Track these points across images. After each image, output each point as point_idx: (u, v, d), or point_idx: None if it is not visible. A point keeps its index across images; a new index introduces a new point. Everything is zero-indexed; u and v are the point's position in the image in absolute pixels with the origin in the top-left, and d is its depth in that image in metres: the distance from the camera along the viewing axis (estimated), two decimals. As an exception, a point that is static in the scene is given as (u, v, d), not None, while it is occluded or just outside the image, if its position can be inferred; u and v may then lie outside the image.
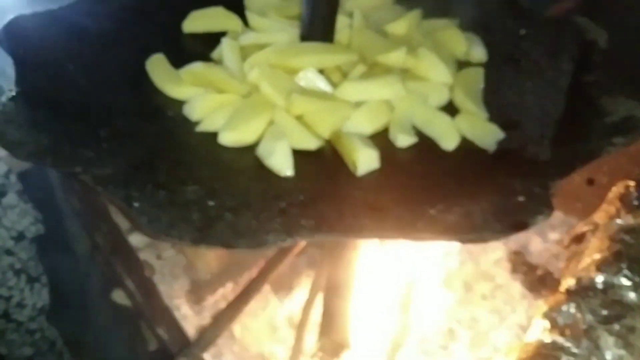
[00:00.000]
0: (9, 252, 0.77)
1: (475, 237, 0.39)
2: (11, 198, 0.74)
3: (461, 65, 0.63)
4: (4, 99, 0.50)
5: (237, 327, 0.57)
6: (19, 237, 0.76)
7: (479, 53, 0.65)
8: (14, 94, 0.51)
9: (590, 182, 0.67)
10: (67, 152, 0.46)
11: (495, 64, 0.64)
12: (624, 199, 0.52)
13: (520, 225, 0.39)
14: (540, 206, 0.40)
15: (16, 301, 0.81)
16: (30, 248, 0.79)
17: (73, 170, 0.45)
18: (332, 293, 0.54)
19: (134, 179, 0.45)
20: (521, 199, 0.42)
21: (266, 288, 0.58)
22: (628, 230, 0.47)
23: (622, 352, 0.39)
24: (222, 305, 0.58)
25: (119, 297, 0.83)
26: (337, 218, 0.42)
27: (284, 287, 0.60)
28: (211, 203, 0.44)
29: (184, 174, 0.47)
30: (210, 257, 0.59)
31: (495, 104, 0.58)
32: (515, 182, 0.44)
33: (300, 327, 0.53)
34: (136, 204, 0.42)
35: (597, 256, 0.45)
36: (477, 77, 0.61)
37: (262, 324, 0.57)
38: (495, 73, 0.62)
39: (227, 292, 0.60)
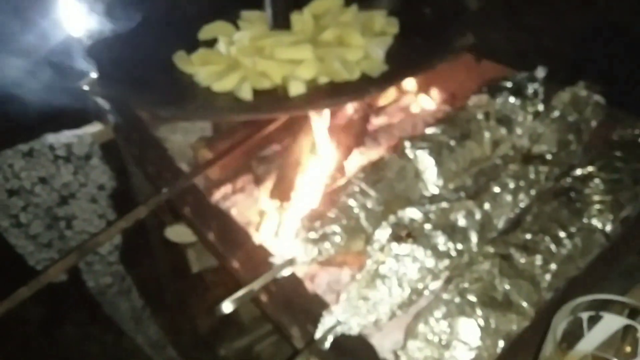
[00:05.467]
0: (94, 200, 1.13)
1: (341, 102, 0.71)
2: (95, 161, 1.11)
3: (380, 34, 0.94)
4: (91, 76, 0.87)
5: (234, 210, 0.89)
6: (100, 188, 1.13)
7: (392, 28, 0.96)
8: (96, 75, 0.89)
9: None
10: (130, 96, 0.82)
11: (405, 32, 0.95)
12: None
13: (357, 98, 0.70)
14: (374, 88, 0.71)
15: (100, 237, 1.16)
16: (108, 198, 1.15)
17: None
18: (284, 165, 0.86)
19: (170, 104, 0.79)
20: (372, 89, 0.73)
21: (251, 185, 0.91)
22: (456, 108, 0.76)
23: (432, 161, 0.67)
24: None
25: (171, 234, 1.16)
26: (274, 106, 0.75)
27: (263, 182, 0.92)
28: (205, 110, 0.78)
29: (194, 102, 0.81)
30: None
31: (396, 53, 0.88)
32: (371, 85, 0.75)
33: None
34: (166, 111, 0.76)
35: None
36: (385, 41, 0.92)
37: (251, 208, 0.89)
38: (402, 39, 0.93)
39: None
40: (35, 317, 1.47)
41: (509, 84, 0.78)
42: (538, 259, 0.53)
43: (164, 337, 1.34)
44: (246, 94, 0.82)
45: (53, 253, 1.13)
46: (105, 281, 1.21)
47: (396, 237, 0.57)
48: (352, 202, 0.62)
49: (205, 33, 1.02)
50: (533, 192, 0.65)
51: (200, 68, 0.91)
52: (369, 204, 0.62)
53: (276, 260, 0.59)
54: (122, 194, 1.17)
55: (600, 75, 0.83)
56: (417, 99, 1.03)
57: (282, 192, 0.83)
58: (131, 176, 1.17)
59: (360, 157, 0.93)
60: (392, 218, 0.59)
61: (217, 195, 0.92)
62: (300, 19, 0.97)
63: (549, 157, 0.67)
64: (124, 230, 1.19)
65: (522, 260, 0.53)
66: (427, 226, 0.58)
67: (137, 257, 1.25)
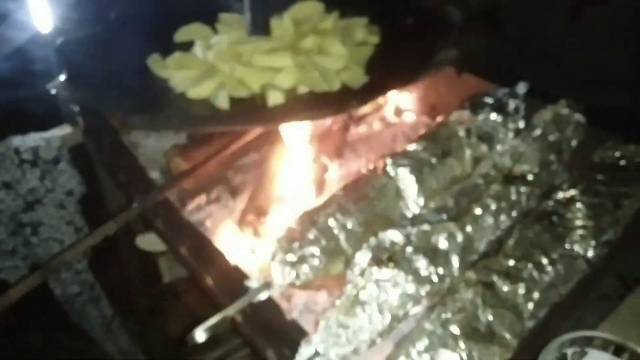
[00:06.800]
0: (61, 206, 1.09)
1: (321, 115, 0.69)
2: (63, 165, 1.07)
3: (361, 44, 0.92)
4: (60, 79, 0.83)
5: (208, 222, 0.86)
6: (69, 194, 1.08)
7: (373, 38, 0.94)
8: (65, 77, 0.84)
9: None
10: (100, 101, 0.78)
11: (386, 42, 0.93)
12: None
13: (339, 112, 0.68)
14: (356, 101, 0.69)
15: (66, 245, 1.12)
16: (76, 204, 1.11)
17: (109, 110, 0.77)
18: (261, 176, 0.83)
19: (140, 111, 0.76)
20: (354, 102, 0.71)
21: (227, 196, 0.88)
22: (438, 124, 0.75)
23: (413, 179, 0.66)
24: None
25: (142, 243, 1.11)
26: (252, 117, 0.72)
27: (239, 193, 0.89)
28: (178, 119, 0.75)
29: (167, 110, 0.78)
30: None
31: (377, 64, 0.86)
32: (353, 100, 0.73)
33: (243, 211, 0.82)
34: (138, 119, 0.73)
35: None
36: (365, 51, 0.90)
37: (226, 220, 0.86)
38: (383, 49, 0.91)
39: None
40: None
41: (490, 100, 0.77)
42: (521, 288, 0.52)
43: (134, 346, 1.30)
44: (223, 103, 0.79)
45: (17, 260, 1.08)
46: (73, 290, 1.17)
47: (377, 261, 0.55)
48: (332, 223, 0.60)
49: (181, 35, 0.98)
50: (514, 213, 0.64)
51: (175, 72, 0.88)
52: (349, 225, 0.60)
53: (252, 283, 0.57)
54: (91, 199, 1.13)
55: (581, 91, 0.83)
56: (397, 110, 1.02)
57: (258, 205, 0.80)
58: (101, 181, 1.13)
59: (340, 169, 0.91)
60: (372, 240, 0.58)
61: (190, 206, 0.89)
62: (280, 25, 0.95)
63: (530, 177, 0.67)
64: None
65: (505, 289, 0.52)
66: (409, 249, 0.57)
67: (107, 266, 1.20)
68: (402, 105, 1.01)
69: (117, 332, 1.28)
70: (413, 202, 0.66)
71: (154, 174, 0.98)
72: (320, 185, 0.87)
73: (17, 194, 1.04)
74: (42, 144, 1.05)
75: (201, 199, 0.89)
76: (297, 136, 0.88)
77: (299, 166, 0.87)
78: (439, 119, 0.77)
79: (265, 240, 0.79)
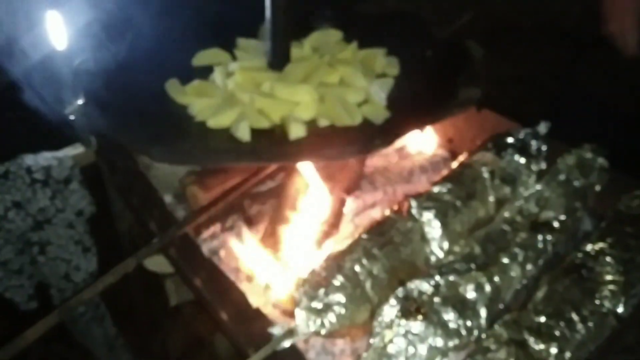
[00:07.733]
0: (71, 226, 1.07)
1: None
2: (74, 185, 1.05)
3: (380, 76, 0.92)
4: (78, 103, 0.82)
5: (223, 252, 0.85)
6: (78, 214, 1.07)
7: (393, 69, 0.94)
8: (82, 101, 0.83)
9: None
10: (119, 132, 0.78)
11: (405, 75, 0.92)
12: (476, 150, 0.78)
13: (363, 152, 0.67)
14: (380, 140, 0.68)
15: (74, 265, 1.10)
16: (85, 224, 1.09)
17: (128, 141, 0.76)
18: (278, 207, 0.82)
19: (159, 142, 0.75)
20: (378, 142, 0.70)
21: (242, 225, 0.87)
22: (462, 165, 0.74)
23: (438, 223, 0.65)
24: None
25: (150, 264, 1.10)
26: (274, 153, 0.72)
27: (255, 223, 0.88)
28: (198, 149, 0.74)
29: (187, 140, 0.77)
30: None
31: (397, 98, 0.86)
32: (376, 135, 0.72)
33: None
34: (157, 152, 0.72)
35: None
36: (386, 84, 0.89)
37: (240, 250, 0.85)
38: (405, 82, 0.91)
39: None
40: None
41: (513, 141, 0.77)
42: (553, 347, 0.51)
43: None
44: (244, 134, 0.78)
45: (23, 280, 1.07)
46: (78, 309, 1.15)
47: (405, 312, 0.54)
48: (358, 269, 0.59)
49: (199, 59, 0.98)
50: (540, 262, 0.63)
51: (194, 100, 0.87)
52: (375, 271, 0.59)
53: (276, 330, 0.56)
54: (100, 218, 1.12)
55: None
56: (414, 142, 1.01)
57: (275, 239, 0.79)
58: (111, 201, 1.11)
59: (356, 201, 0.90)
60: (400, 290, 0.57)
61: (205, 234, 0.88)
62: (300, 53, 0.94)
63: (556, 224, 0.66)
64: (99, 256, 1.15)
65: (537, 348, 0.51)
66: (437, 300, 0.56)
67: (113, 285, 1.19)
68: (418, 137, 1.00)
69: (119, 350, 1.26)
70: (437, 246, 0.65)
71: (167, 198, 0.97)
72: (337, 218, 0.86)
73: (26, 213, 1.02)
74: (54, 163, 1.04)
75: (216, 227, 0.88)
76: (314, 167, 0.87)
77: (315, 198, 0.86)
78: (461, 157, 0.76)
79: (282, 273, 0.78)
